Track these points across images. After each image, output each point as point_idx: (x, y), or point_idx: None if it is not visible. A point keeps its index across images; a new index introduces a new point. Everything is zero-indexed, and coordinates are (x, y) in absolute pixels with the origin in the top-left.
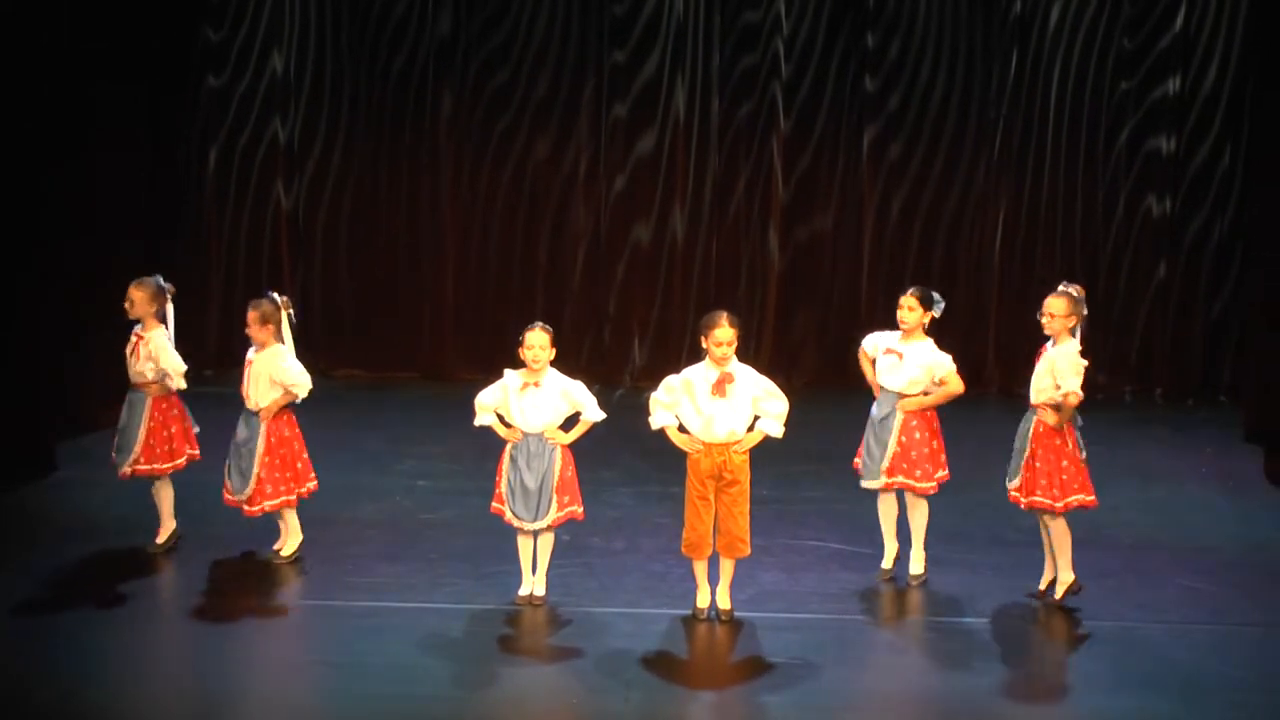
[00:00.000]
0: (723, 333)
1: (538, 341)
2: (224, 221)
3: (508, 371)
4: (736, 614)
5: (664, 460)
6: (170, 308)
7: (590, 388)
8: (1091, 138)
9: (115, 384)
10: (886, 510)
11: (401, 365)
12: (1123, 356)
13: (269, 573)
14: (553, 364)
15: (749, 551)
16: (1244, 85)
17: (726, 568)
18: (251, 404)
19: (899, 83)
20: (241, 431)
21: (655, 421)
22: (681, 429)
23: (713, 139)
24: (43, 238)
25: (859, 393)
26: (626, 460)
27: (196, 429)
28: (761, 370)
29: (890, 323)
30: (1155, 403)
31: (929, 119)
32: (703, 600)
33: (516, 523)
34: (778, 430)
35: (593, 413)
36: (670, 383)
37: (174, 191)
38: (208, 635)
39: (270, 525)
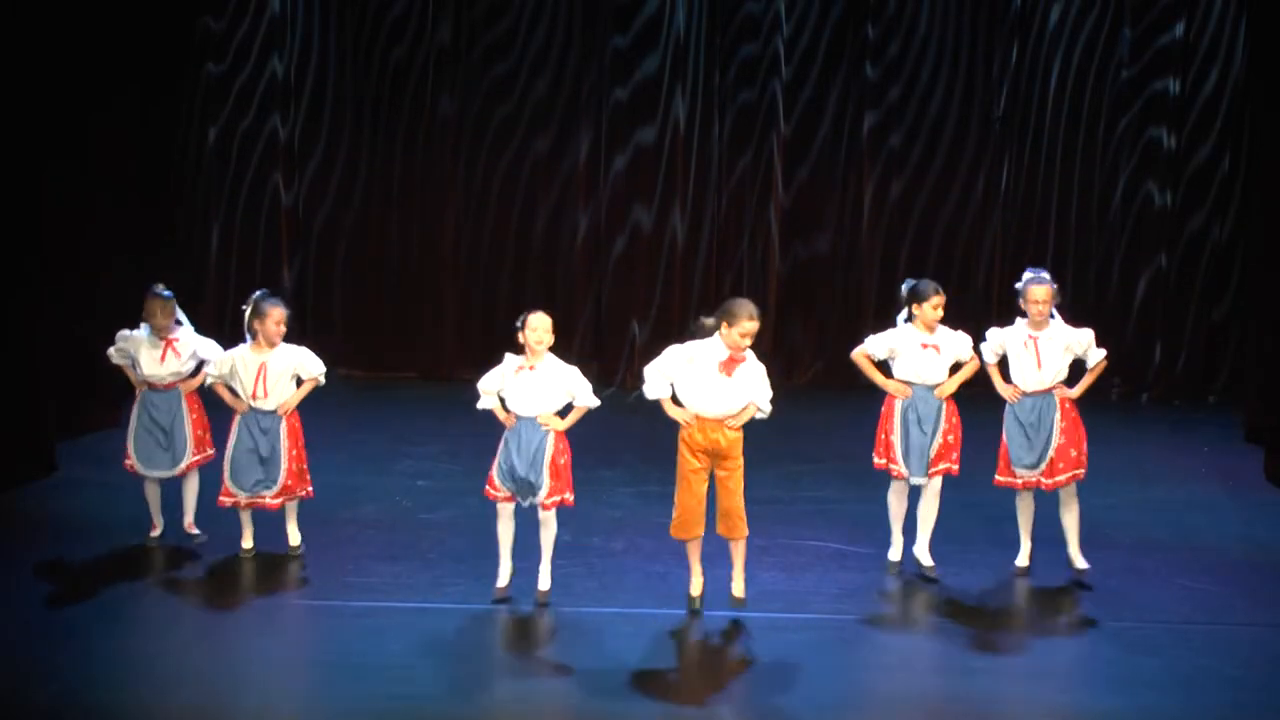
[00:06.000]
0: (752, 324)
1: (541, 324)
2: (220, 218)
3: (508, 355)
4: (736, 614)
5: (664, 460)
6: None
7: None
8: (1092, 127)
9: (115, 384)
10: (900, 503)
11: (401, 365)
12: (1118, 352)
13: (269, 572)
14: (551, 353)
15: (748, 531)
16: (1245, 87)
17: (737, 552)
18: (271, 404)
19: (900, 75)
20: (255, 433)
21: (650, 392)
22: (675, 402)
23: (714, 133)
24: (42, 236)
25: (858, 393)
26: (626, 460)
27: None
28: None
29: (890, 318)
30: (1153, 402)
31: (930, 110)
32: (696, 588)
33: (504, 496)
34: (766, 408)
35: (586, 399)
36: (672, 353)
37: (173, 191)
38: (207, 635)
39: (273, 523)
